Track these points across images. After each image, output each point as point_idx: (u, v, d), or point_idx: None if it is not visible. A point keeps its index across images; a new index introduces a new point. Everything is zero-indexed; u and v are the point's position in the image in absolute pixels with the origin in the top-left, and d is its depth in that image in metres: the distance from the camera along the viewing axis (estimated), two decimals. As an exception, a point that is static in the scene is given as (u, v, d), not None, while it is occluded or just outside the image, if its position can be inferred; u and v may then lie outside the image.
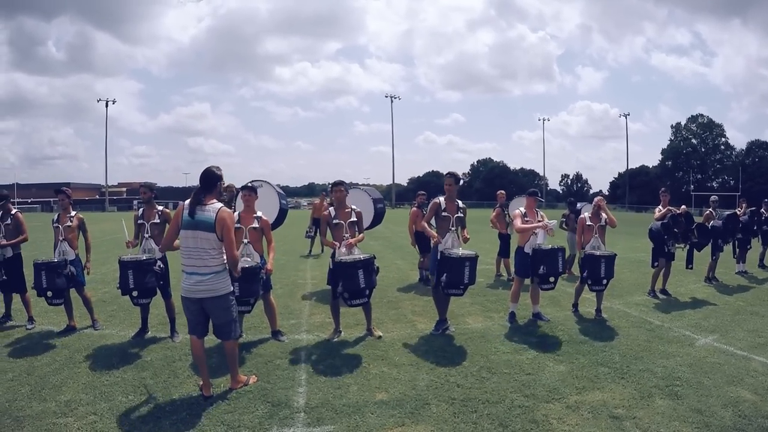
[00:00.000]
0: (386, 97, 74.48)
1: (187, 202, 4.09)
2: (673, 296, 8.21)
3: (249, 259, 5.33)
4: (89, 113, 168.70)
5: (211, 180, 4.14)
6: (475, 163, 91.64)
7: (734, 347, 5.52)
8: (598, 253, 6.50)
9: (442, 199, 6.00)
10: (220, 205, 4.07)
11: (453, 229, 5.93)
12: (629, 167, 74.39)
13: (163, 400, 4.19)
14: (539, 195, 6.87)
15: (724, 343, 5.66)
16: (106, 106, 63.31)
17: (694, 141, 75.52)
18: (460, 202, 6.06)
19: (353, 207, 6.00)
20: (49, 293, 5.75)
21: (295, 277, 10.40)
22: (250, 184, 5.93)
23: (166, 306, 5.92)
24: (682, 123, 77.77)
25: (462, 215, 6.03)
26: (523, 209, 6.67)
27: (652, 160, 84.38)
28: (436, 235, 5.86)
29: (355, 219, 5.88)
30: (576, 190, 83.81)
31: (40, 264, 5.72)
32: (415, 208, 9.75)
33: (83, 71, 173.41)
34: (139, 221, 5.85)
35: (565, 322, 6.62)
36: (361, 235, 5.96)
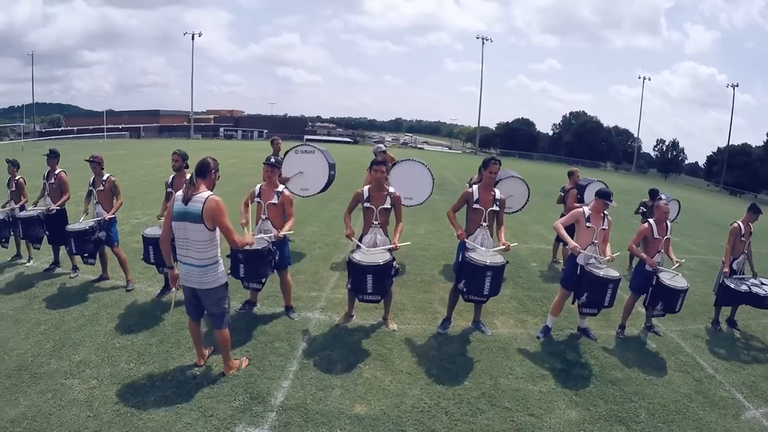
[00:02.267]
0: (477, 38, 69.91)
1: (180, 192, 4.02)
2: (740, 332, 6.72)
3: (265, 236, 5.20)
4: (179, 43, 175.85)
5: (205, 168, 4.06)
6: (568, 115, 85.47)
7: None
8: (671, 283, 5.59)
9: (476, 188, 5.42)
10: (208, 193, 3.95)
11: (485, 224, 5.34)
12: (730, 143, 66.34)
13: (158, 371, 4.42)
14: (611, 198, 5.62)
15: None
16: (192, 38, 64.40)
17: (808, 125, 65.09)
18: (497, 192, 5.41)
19: (392, 190, 5.45)
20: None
21: (339, 235, 10.19)
22: (273, 160, 5.58)
23: None
24: (797, 102, 66.89)
25: (497, 208, 5.36)
26: (587, 210, 5.67)
27: (757, 138, 74.68)
28: (461, 229, 5.37)
29: (390, 205, 5.41)
30: (671, 158, 76.37)
31: (69, 232, 6.04)
32: (469, 190, 8.82)
33: (173, 3, 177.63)
34: (168, 190, 5.87)
35: (606, 344, 5.79)
36: (349, 230, 5.36)
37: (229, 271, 5.00)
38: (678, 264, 5.83)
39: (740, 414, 4.60)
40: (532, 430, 4.07)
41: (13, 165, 6.93)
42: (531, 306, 6.85)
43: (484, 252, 5.21)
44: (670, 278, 5.69)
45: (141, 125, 61.97)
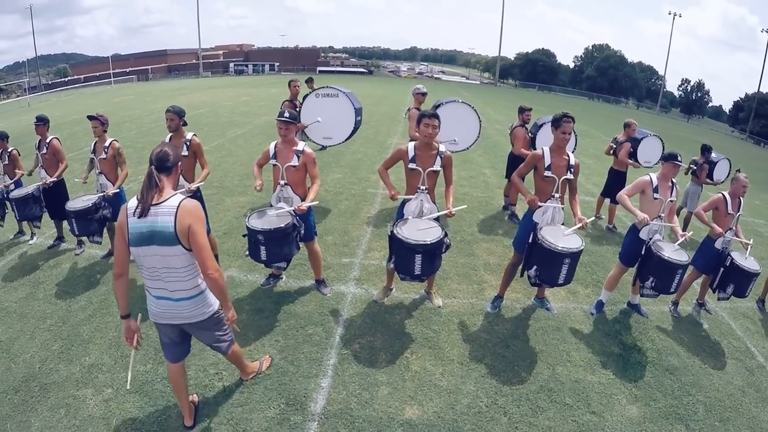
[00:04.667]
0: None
1: (131, 202, 2.73)
2: None
3: (285, 206, 4.51)
4: None
5: (167, 159, 2.79)
6: (590, 48, 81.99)
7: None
8: (747, 266, 4.95)
9: (546, 149, 4.50)
10: (178, 198, 2.72)
11: (557, 196, 4.50)
12: (759, 90, 62.88)
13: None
14: (680, 159, 4.85)
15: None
16: None
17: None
18: (572, 157, 4.56)
19: (442, 149, 4.48)
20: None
21: (366, 183, 9.53)
22: (287, 115, 4.59)
23: None
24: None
25: (572, 176, 4.50)
26: (656, 178, 4.87)
27: None
28: (535, 198, 4.51)
29: (440, 167, 4.48)
30: (695, 99, 74.03)
31: (70, 211, 5.26)
32: (519, 126, 7.65)
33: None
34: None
35: (661, 324, 5.31)
36: (393, 191, 4.50)
37: (246, 253, 4.40)
38: (749, 246, 5.20)
39: (790, 412, 4.28)
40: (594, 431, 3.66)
41: (2, 138, 6.07)
42: (581, 274, 6.15)
43: (559, 232, 4.38)
44: (743, 259, 5.05)
45: (149, 67, 60.16)
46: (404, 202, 4.61)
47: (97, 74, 52.56)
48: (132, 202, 2.69)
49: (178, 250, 2.69)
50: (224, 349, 3.25)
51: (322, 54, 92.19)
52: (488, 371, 4.17)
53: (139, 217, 2.64)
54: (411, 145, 4.53)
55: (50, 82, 58.35)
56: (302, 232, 4.54)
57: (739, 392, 4.39)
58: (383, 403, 3.70)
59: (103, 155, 5.50)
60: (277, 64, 71.54)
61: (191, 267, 2.81)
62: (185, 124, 5.08)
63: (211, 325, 3.05)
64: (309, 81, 12.06)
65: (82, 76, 55.08)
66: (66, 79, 61.60)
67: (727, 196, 5.20)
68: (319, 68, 72.36)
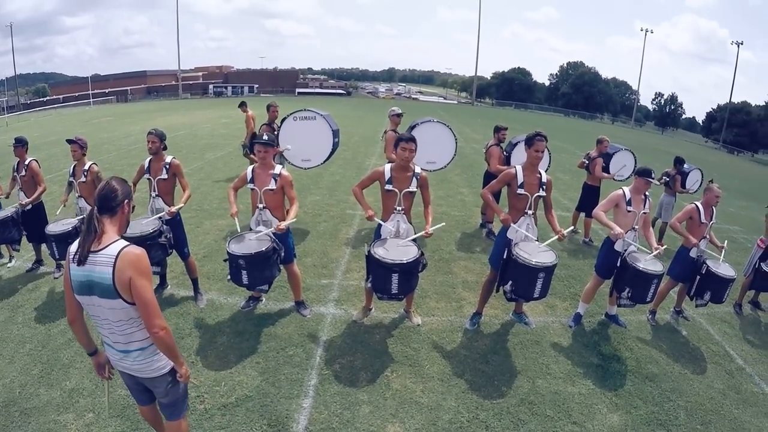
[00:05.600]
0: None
1: (74, 245, 2.40)
2: (764, 314, 6.39)
3: (264, 229, 4.57)
4: (162, 0, 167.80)
5: (111, 197, 2.43)
6: (565, 65, 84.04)
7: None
8: (722, 273, 5.12)
9: (519, 168, 4.63)
10: (119, 246, 2.34)
11: (530, 213, 4.64)
12: (731, 100, 64.88)
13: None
14: (653, 176, 5.06)
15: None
16: None
17: (810, 89, 63.59)
18: (544, 174, 4.69)
19: (418, 171, 4.59)
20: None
21: (345, 205, 9.61)
22: (265, 138, 4.75)
23: (185, 267, 5.42)
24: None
25: (544, 193, 4.65)
26: (628, 191, 5.06)
27: (757, 98, 73.76)
28: (508, 217, 4.63)
29: (416, 188, 4.60)
30: (669, 112, 76.23)
31: (51, 235, 5.19)
32: (494, 145, 7.78)
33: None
34: (146, 176, 5.13)
35: (639, 333, 5.45)
36: (370, 212, 4.58)
37: (229, 278, 4.43)
38: (723, 249, 5.45)
39: (773, 410, 4.40)
40: (579, 443, 3.70)
41: (21, 144, 5.92)
42: (558, 287, 6.33)
43: (534, 247, 4.51)
44: (718, 266, 5.22)
45: (128, 88, 59.82)
46: (380, 224, 4.69)
47: (76, 95, 52.16)
48: (74, 246, 2.38)
49: (120, 303, 2.35)
50: (171, 415, 2.81)
51: (301, 76, 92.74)
52: (469, 387, 4.21)
53: (78, 265, 2.33)
54: (387, 166, 4.62)
55: (29, 102, 57.50)
56: (282, 254, 4.58)
57: (719, 395, 4.50)
58: (365, 421, 3.71)
59: (83, 178, 5.48)
60: (257, 86, 71.67)
61: (138, 320, 2.45)
62: (165, 147, 5.11)
63: (164, 385, 2.66)
64: (242, 105, 12.04)
65: (61, 97, 54.57)
66: (45, 99, 60.81)
67: (700, 206, 5.36)
68: (298, 90, 72.71)
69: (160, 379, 2.62)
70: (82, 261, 2.31)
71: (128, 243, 2.38)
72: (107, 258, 2.30)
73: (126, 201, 2.49)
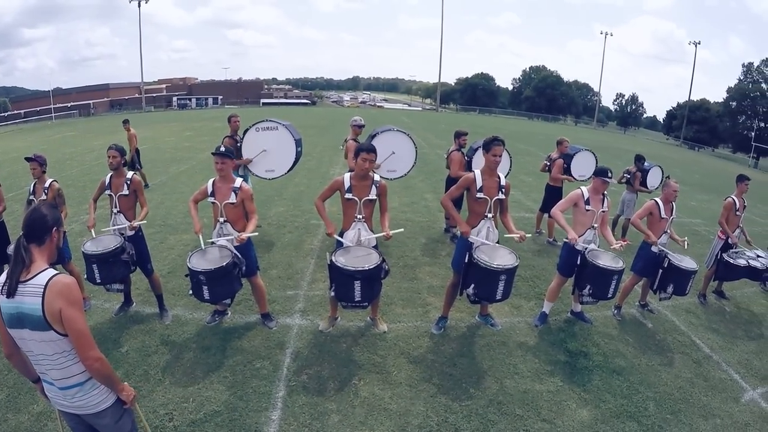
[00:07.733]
0: (435, -8, 67.87)
1: (3, 275, 2.25)
2: (728, 303, 6.69)
3: (226, 242, 4.55)
4: (123, 11, 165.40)
5: (41, 226, 2.27)
6: (528, 70, 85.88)
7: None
8: (684, 265, 5.33)
9: (478, 173, 4.70)
10: (49, 273, 2.21)
11: (490, 216, 4.72)
12: (690, 98, 67.46)
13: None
14: (609, 175, 5.21)
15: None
16: (139, 5, 57.09)
17: (764, 86, 66.57)
18: (503, 178, 4.77)
19: (377, 179, 4.67)
20: None
21: (309, 215, 9.53)
22: (223, 149, 4.77)
23: (149, 283, 5.32)
24: (755, 64, 67.16)
25: (503, 196, 4.73)
26: (586, 191, 5.23)
27: (716, 95, 76.81)
28: (466, 226, 4.74)
29: (375, 196, 4.65)
30: (630, 112, 79.06)
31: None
32: (455, 150, 7.86)
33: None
34: (107, 192, 5.03)
35: (605, 328, 5.57)
36: (331, 228, 4.68)
37: (190, 292, 4.37)
38: (686, 243, 5.67)
39: (740, 396, 4.57)
40: (548, 439, 3.77)
41: (39, 163, 5.54)
42: (523, 288, 6.47)
43: (494, 250, 4.62)
44: (680, 260, 5.41)
45: (91, 101, 58.24)
46: (342, 233, 4.73)
47: (38, 109, 50.32)
48: (2, 277, 2.23)
49: (52, 335, 2.20)
50: None
51: (266, 86, 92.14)
52: (437, 390, 4.24)
53: (7, 297, 2.17)
54: (347, 176, 4.67)
55: (-13, 117, 55.48)
56: (244, 268, 4.56)
57: (688, 384, 4.64)
58: (334, 430, 3.69)
59: (44, 196, 5.31)
60: (221, 97, 70.92)
61: (68, 354, 2.29)
62: (125, 163, 5.02)
63: (111, 419, 2.47)
64: (125, 123, 12.39)
65: (22, 111, 52.66)
66: (5, 114, 58.68)
67: (660, 202, 5.56)
68: (262, 100, 72.26)
69: (104, 413, 2.44)
70: (11, 293, 2.16)
71: (57, 272, 2.23)
72: (35, 288, 2.16)
73: (55, 228, 2.32)
